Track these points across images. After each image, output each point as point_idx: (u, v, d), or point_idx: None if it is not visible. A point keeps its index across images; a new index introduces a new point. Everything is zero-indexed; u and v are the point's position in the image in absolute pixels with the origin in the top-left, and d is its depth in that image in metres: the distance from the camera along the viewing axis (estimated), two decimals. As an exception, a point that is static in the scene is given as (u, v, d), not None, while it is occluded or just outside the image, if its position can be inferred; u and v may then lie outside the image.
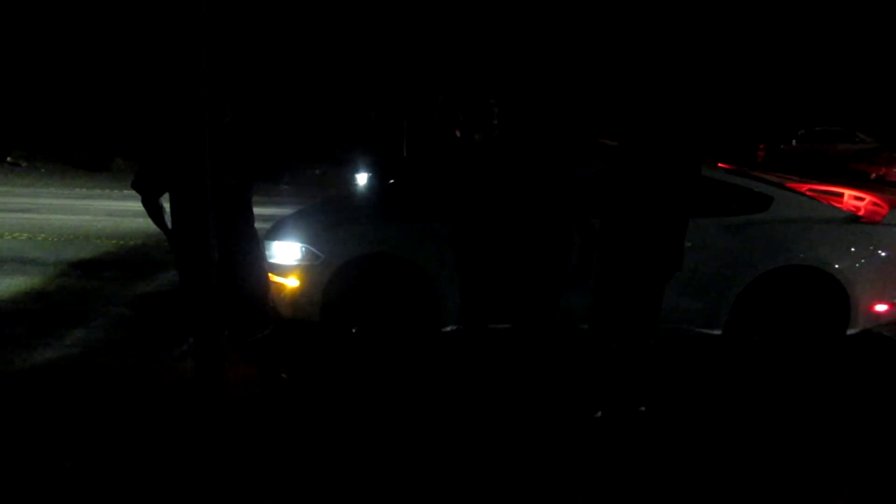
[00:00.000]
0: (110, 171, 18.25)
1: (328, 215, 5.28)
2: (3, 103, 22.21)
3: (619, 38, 20.94)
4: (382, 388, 4.22)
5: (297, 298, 4.83)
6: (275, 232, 5.13)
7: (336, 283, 4.74)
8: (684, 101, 3.74)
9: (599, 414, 3.89)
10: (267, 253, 5.05)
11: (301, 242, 4.85)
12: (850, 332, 4.82)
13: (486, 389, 4.20)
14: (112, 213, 10.74)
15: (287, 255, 4.88)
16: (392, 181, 6.96)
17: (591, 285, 4.00)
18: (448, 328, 4.77)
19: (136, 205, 12.98)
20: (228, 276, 3.60)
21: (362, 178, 9.97)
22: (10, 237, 8.22)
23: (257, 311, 3.92)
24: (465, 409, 3.95)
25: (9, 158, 19.35)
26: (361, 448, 3.45)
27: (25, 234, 8.42)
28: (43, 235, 8.42)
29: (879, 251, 4.77)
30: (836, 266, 4.70)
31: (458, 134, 8.78)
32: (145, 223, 9.90)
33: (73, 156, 19.45)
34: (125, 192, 14.40)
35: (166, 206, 3.75)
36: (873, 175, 17.79)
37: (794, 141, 20.60)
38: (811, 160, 19.85)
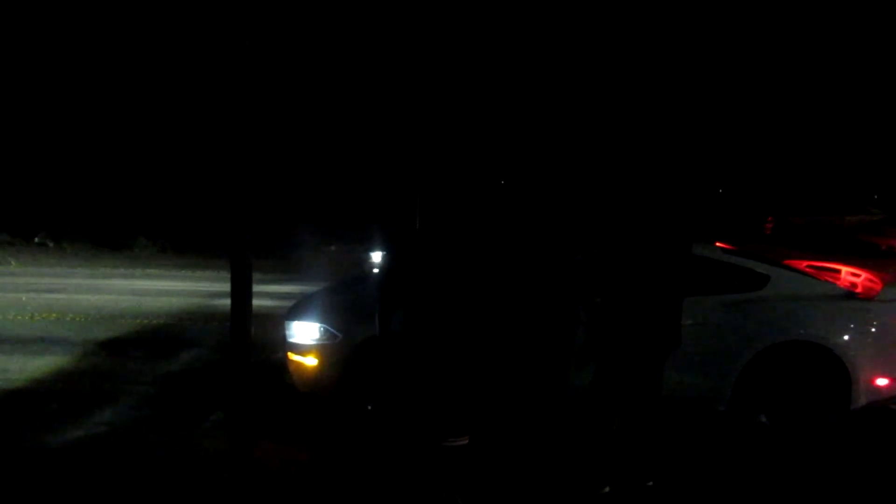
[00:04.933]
0: (132, 251, 18.79)
1: (346, 296, 5.55)
2: (30, 186, 23.13)
3: (613, 116, 21.55)
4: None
5: (316, 377, 5.05)
6: (294, 312, 5.39)
7: (354, 363, 4.95)
8: (674, 185, 4.03)
9: (608, 489, 4.01)
10: (287, 332, 5.31)
11: (320, 322, 5.10)
12: (853, 406, 4.93)
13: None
14: (135, 292, 11.09)
15: (305, 334, 5.12)
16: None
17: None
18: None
19: (158, 283, 13.38)
20: None
21: (377, 257, 10.27)
22: (39, 318, 8.54)
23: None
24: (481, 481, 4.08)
25: (36, 239, 19.99)
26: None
27: (54, 315, 8.74)
28: (71, 315, 8.73)
29: (876, 327, 4.94)
30: (835, 342, 4.86)
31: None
32: (166, 302, 10.24)
33: (98, 235, 20.05)
34: (147, 270, 14.84)
35: None
36: (884, 247, 17.93)
37: (801, 214, 20.85)
38: (820, 232, 20.03)
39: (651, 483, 4.03)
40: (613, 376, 4.04)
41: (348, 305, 5.27)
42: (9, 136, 23.73)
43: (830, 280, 5.34)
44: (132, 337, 7.69)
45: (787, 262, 6.04)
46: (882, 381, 4.93)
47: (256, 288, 11.79)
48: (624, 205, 4.01)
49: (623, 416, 4.03)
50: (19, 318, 8.51)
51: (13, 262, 15.52)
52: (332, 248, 19.66)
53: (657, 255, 3.89)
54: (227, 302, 9.21)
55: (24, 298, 9.97)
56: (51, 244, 19.49)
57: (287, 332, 5.27)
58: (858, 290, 5.23)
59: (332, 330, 5.06)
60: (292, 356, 5.21)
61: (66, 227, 20.59)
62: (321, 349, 5.06)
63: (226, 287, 11.89)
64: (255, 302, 10.38)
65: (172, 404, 5.48)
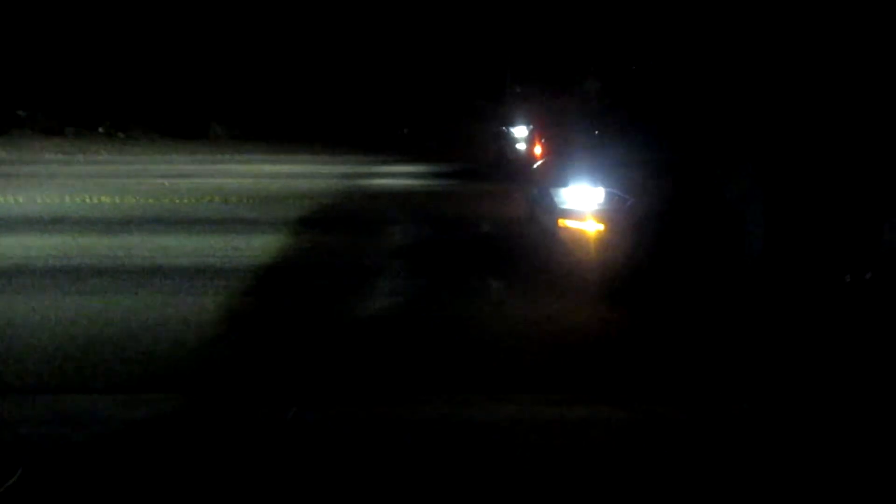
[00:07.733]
0: (208, 138, 18.49)
1: (619, 160, 5.39)
2: (86, 77, 22.48)
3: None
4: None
5: (602, 242, 4.98)
6: (564, 177, 5.25)
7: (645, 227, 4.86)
8: None
9: None
10: (557, 199, 5.22)
11: (605, 187, 4.97)
12: None
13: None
14: (266, 175, 10.99)
15: (588, 199, 5.01)
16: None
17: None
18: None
19: (289, 167, 13.26)
20: None
21: (521, 132, 10.07)
22: (206, 201, 8.46)
23: None
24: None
25: (100, 129, 19.64)
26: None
27: (216, 198, 8.65)
28: (234, 198, 8.64)
29: None
30: None
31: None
32: (312, 183, 10.12)
33: (165, 124, 19.65)
34: (243, 156, 14.65)
35: None
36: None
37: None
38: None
39: None
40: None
41: (632, 169, 5.12)
42: (58, 25, 22.84)
43: None
44: (321, 216, 7.64)
45: None
46: None
47: (384, 169, 11.78)
48: None
49: None
50: (186, 201, 8.42)
51: (103, 152, 15.31)
52: (405, 130, 19.59)
53: None
54: (377, 181, 9.28)
55: (165, 184, 9.87)
56: (121, 134, 19.15)
57: (557, 199, 5.16)
58: None
59: (619, 194, 4.94)
60: (566, 223, 5.12)
61: (126, 117, 20.17)
62: (607, 214, 4.96)
63: (355, 168, 11.78)
64: (402, 182, 10.40)
65: (436, 274, 5.48)
